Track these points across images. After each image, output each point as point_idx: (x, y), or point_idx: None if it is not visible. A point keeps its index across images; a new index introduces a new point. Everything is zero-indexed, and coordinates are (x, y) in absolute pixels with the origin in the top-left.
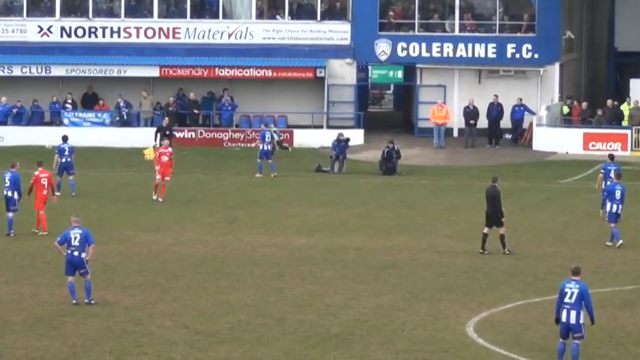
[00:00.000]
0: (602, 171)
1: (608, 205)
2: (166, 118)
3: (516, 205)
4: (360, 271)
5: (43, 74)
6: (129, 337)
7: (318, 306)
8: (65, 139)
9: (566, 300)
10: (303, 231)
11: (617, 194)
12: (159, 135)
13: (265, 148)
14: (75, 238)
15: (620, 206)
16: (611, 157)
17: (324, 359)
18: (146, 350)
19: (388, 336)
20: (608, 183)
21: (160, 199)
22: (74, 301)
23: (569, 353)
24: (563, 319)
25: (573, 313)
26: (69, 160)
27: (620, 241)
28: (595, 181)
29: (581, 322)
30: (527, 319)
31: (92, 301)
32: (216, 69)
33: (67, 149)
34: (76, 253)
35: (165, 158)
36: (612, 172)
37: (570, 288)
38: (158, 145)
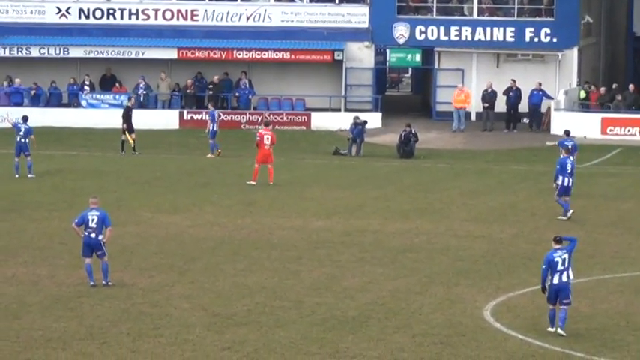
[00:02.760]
0: (560, 147)
1: (560, 178)
2: (132, 98)
3: (534, 190)
4: (377, 255)
5: (62, 55)
6: (146, 319)
7: (335, 289)
8: (25, 119)
9: (559, 268)
10: (321, 214)
11: (569, 168)
12: (125, 117)
13: (214, 128)
14: (92, 220)
15: (571, 179)
16: (567, 133)
17: (340, 342)
18: (163, 332)
19: (405, 319)
20: (560, 157)
21: (270, 183)
22: (91, 283)
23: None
24: (555, 281)
25: (564, 274)
26: (24, 140)
27: (571, 211)
28: (613, 165)
29: (570, 288)
30: (544, 304)
31: (109, 283)
32: (234, 51)
33: (22, 129)
34: (93, 235)
35: (266, 141)
36: (570, 147)
37: (560, 256)
38: (125, 127)
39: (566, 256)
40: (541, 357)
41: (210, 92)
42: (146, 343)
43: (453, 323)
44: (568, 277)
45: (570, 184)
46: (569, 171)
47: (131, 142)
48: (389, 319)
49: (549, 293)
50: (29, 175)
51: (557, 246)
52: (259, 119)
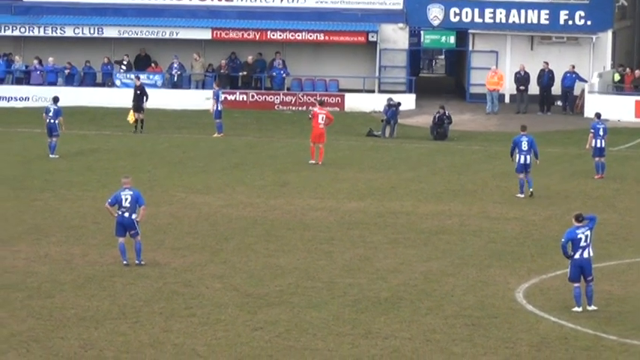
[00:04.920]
0: (592, 130)
1: (517, 156)
2: (138, 78)
3: (567, 172)
4: (409, 236)
5: (96, 35)
6: (178, 299)
7: (367, 270)
8: (55, 100)
9: (582, 244)
10: (354, 195)
11: (524, 145)
12: (133, 95)
13: (219, 108)
14: (126, 199)
15: (528, 157)
16: (598, 115)
17: (373, 323)
18: (195, 312)
19: (437, 301)
20: (517, 136)
21: (319, 162)
22: (124, 262)
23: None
24: (577, 256)
25: (586, 251)
26: (52, 121)
27: (531, 189)
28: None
29: (592, 263)
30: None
31: (142, 262)
32: (269, 32)
33: (51, 110)
34: (126, 215)
35: (321, 120)
36: (601, 130)
37: (582, 233)
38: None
39: (588, 232)
40: (573, 339)
41: (244, 73)
42: (178, 323)
43: (485, 305)
44: (589, 253)
45: (527, 161)
46: (525, 149)
47: (132, 120)
48: (421, 300)
49: (573, 270)
50: (51, 156)
51: (579, 224)
52: (293, 100)
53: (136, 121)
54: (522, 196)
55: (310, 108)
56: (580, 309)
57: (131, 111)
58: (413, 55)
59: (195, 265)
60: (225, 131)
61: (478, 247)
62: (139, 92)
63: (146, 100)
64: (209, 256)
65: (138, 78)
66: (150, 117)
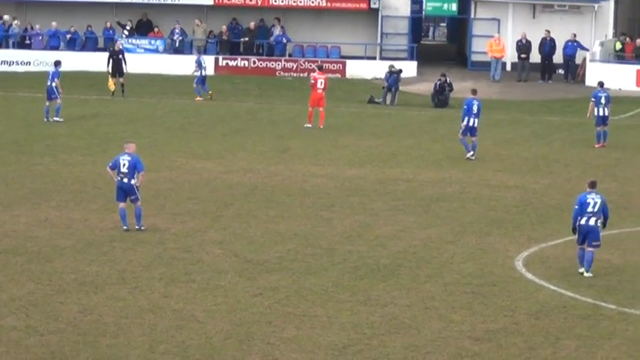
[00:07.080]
0: (593, 99)
1: (466, 119)
2: (117, 42)
3: (567, 141)
4: (409, 203)
5: (98, 0)
6: (178, 264)
7: (367, 237)
8: (56, 63)
9: (589, 210)
10: (354, 162)
11: (475, 109)
12: (111, 60)
13: (202, 74)
14: (124, 164)
15: (477, 120)
16: (601, 84)
17: (372, 290)
18: (195, 277)
19: (437, 268)
20: (469, 99)
21: (320, 126)
22: (124, 227)
23: None
24: (583, 222)
25: (593, 219)
26: (49, 84)
27: (471, 152)
28: None
29: (599, 231)
30: (576, 254)
31: (142, 228)
32: None
33: (50, 73)
34: (125, 180)
35: (320, 85)
36: (603, 98)
37: (593, 198)
38: (110, 72)
39: (598, 200)
40: (572, 308)
41: (246, 39)
42: (178, 289)
43: (484, 273)
44: (596, 222)
45: (475, 125)
46: (475, 112)
47: (112, 86)
48: (420, 267)
49: (578, 234)
50: (55, 118)
51: (592, 189)
52: (294, 66)
53: (122, 85)
54: (472, 153)
55: (312, 74)
56: (583, 269)
57: (110, 78)
58: (415, 22)
59: (195, 230)
60: (225, 97)
61: (478, 215)
62: (120, 56)
63: (125, 64)
64: (209, 222)
65: (116, 41)
66: (151, 82)
